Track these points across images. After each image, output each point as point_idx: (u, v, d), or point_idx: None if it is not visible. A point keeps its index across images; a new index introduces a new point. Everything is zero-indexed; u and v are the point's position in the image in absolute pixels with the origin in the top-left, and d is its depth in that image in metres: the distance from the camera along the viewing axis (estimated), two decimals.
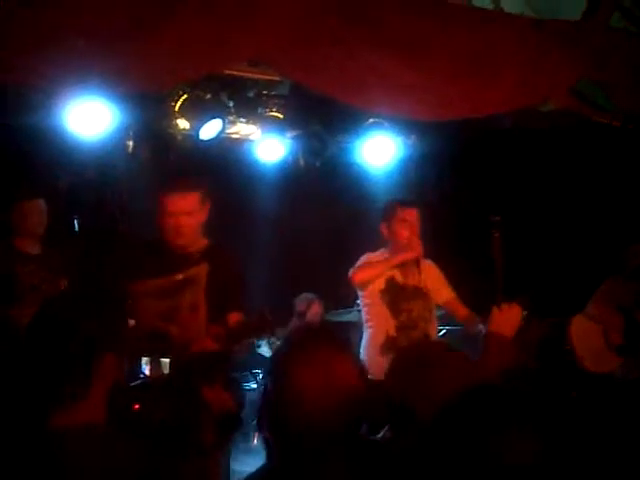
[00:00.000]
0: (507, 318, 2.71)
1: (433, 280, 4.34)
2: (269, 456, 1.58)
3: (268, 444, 1.58)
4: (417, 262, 4.20)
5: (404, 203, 4.36)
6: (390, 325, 4.17)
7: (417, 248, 4.19)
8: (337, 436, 1.49)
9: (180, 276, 3.21)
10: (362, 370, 1.58)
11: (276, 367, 1.56)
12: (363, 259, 4.30)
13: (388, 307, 4.19)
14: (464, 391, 1.04)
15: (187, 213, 3.26)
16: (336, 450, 1.50)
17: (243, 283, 3.29)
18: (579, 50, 4.01)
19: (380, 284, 4.21)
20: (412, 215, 4.28)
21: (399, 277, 4.24)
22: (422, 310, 4.24)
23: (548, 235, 5.66)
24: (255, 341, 4.90)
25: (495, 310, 2.74)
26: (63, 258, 4.64)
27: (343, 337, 1.63)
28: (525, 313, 2.85)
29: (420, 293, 4.24)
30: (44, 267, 4.53)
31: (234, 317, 2.96)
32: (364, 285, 4.22)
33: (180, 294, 3.19)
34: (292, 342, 1.63)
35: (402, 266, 4.23)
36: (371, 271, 4.20)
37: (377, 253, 4.35)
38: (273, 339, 5.23)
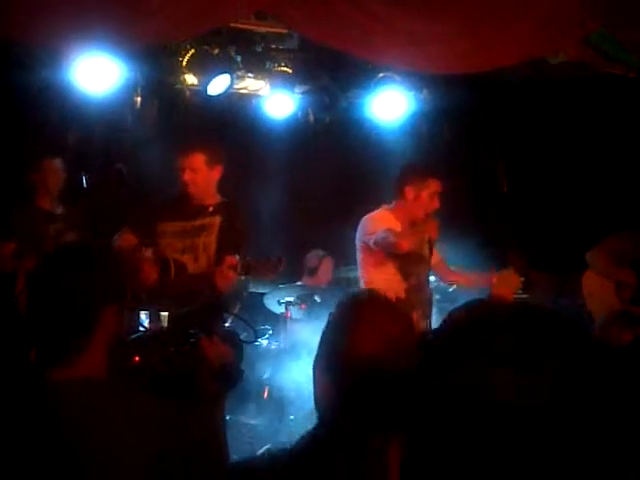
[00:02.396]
0: (507, 282, 2.96)
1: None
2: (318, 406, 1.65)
3: (320, 394, 1.65)
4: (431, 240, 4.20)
5: (435, 174, 4.28)
6: (400, 288, 4.21)
7: (434, 228, 4.13)
8: (389, 388, 1.56)
9: (197, 223, 3.92)
10: (414, 334, 1.67)
11: (339, 322, 1.67)
12: (372, 219, 4.27)
13: (399, 271, 4.23)
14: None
15: (192, 170, 3.86)
16: (387, 401, 1.57)
17: (246, 236, 3.92)
18: (594, 1, 3.91)
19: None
20: (440, 189, 4.23)
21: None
22: (426, 273, 4.33)
23: (559, 190, 5.61)
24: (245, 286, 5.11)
25: (495, 275, 2.92)
26: (79, 214, 4.70)
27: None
28: (523, 279, 3.02)
29: (423, 258, 4.28)
30: (68, 225, 4.59)
31: (233, 260, 3.51)
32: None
33: (196, 236, 3.90)
34: (355, 301, 1.74)
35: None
36: (411, 240, 4.13)
37: (379, 211, 4.33)
38: (282, 297, 5.24)
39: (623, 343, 2.39)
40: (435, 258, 4.43)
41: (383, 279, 4.24)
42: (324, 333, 1.71)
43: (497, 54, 4.11)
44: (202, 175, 3.89)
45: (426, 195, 4.20)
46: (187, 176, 3.85)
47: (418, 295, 4.24)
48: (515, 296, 2.94)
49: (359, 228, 4.31)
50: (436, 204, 4.21)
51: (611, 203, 5.22)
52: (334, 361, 1.63)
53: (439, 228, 4.14)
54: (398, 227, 4.23)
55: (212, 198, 4.00)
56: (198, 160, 3.87)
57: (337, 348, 1.64)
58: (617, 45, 4.12)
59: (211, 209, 3.96)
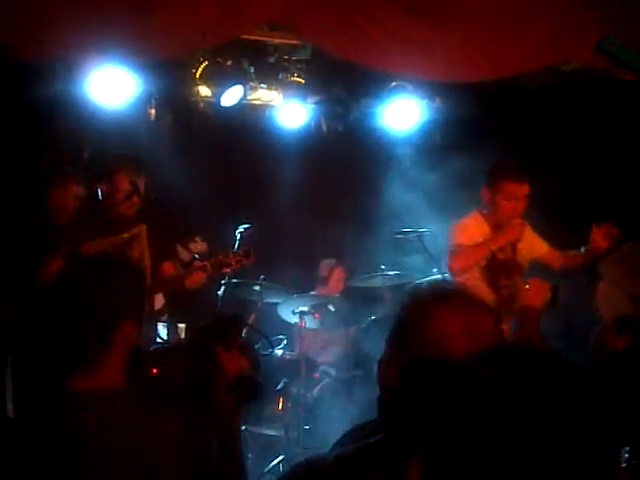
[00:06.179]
0: (536, 292, 2.99)
1: (527, 243, 4.24)
2: (384, 405, 1.51)
3: (387, 391, 1.51)
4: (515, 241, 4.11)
5: (516, 177, 4.07)
6: (490, 300, 3.95)
7: (516, 229, 4.06)
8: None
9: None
10: (499, 324, 1.56)
11: (417, 311, 1.54)
12: (458, 227, 4.16)
13: (489, 284, 4.09)
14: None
15: None
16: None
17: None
18: (606, 7, 3.90)
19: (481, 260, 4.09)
20: (522, 192, 4.06)
21: (500, 253, 4.12)
22: (521, 283, 4.04)
23: (574, 196, 5.58)
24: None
25: (524, 287, 3.06)
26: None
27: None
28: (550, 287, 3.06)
29: (518, 266, 4.17)
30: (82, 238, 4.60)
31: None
32: (464, 272, 4.01)
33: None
34: (432, 291, 1.63)
35: None
36: (470, 259, 4.04)
37: (471, 216, 4.22)
38: (296, 306, 5.22)
39: (618, 350, 2.40)
40: (543, 249, 4.33)
41: (471, 285, 3.96)
42: (397, 323, 1.55)
43: (510, 62, 4.11)
44: None
45: (500, 199, 4.06)
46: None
47: (511, 306, 3.97)
48: (544, 305, 2.95)
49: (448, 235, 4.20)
50: (514, 207, 4.05)
51: (627, 210, 5.18)
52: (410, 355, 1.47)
53: (522, 229, 4.06)
54: (486, 231, 4.13)
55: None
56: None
57: (415, 339, 1.49)
58: (628, 51, 4.12)
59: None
